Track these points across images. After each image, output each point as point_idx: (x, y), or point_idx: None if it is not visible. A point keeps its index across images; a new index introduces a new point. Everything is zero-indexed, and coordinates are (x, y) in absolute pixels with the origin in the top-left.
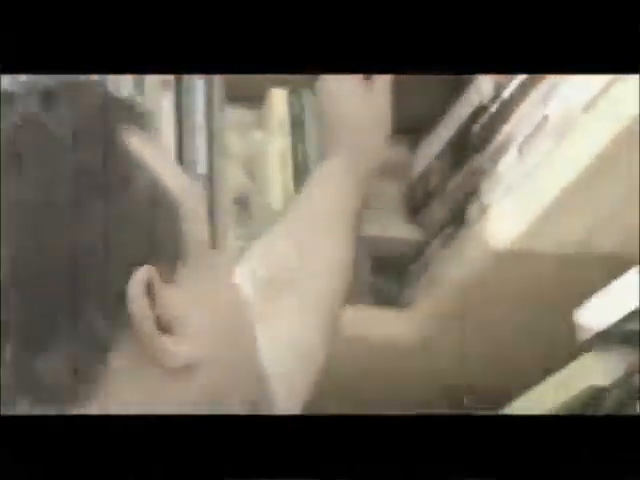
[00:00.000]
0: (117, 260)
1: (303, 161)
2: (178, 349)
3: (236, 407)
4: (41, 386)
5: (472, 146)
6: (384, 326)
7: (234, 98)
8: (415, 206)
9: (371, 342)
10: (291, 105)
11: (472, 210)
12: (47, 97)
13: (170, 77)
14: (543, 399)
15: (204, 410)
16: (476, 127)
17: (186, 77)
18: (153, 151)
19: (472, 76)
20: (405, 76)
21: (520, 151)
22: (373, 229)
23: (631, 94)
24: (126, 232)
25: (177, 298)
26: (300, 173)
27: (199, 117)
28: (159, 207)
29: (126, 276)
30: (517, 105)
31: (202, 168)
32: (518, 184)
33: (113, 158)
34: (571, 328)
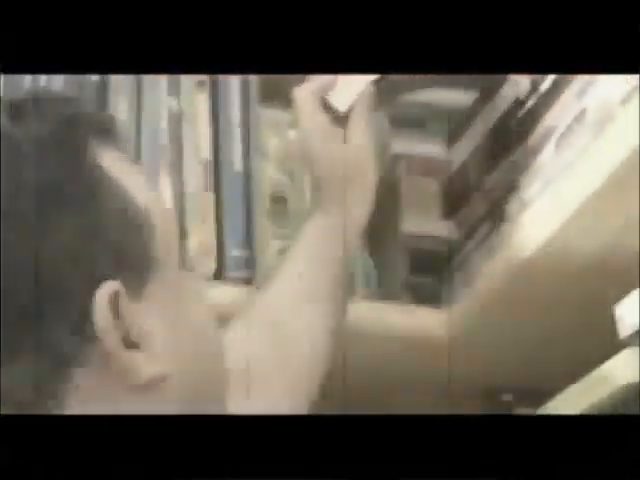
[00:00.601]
0: (83, 275)
1: None
2: (144, 365)
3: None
4: (5, 402)
5: (510, 141)
6: (421, 324)
7: (269, 98)
8: (453, 203)
9: (408, 340)
10: None
11: (511, 206)
12: (16, 110)
13: (205, 78)
14: (583, 395)
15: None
16: (513, 122)
17: (221, 78)
18: (123, 167)
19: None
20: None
21: (558, 145)
22: (411, 227)
23: None
24: (93, 247)
25: (144, 315)
26: None
27: (234, 117)
28: (127, 223)
29: (92, 291)
30: (554, 99)
31: (238, 167)
32: (556, 178)
33: (81, 172)
34: (611, 324)
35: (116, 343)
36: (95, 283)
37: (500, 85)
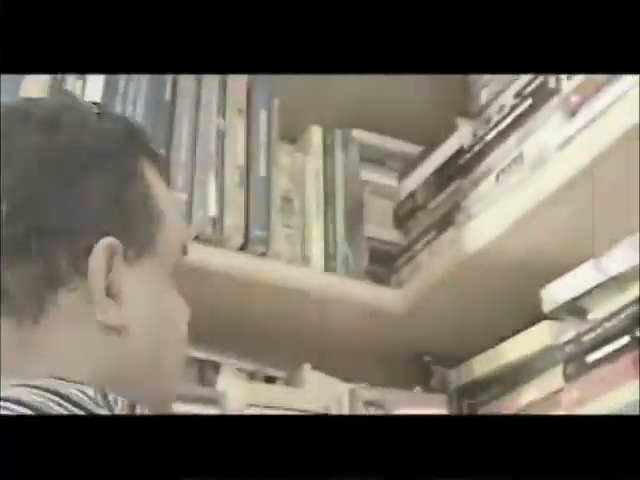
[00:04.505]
0: (96, 225)
1: (331, 175)
2: (115, 311)
3: (161, 382)
4: (6, 299)
5: (454, 176)
6: (376, 298)
7: (285, 131)
8: (401, 218)
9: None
10: (324, 137)
11: (458, 218)
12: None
13: (243, 107)
14: (505, 354)
15: (129, 371)
16: (457, 163)
17: (253, 109)
18: (155, 175)
19: (454, 125)
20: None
21: (497, 178)
22: (371, 232)
23: (596, 139)
24: (117, 215)
25: (130, 277)
26: (328, 183)
27: (262, 138)
28: (146, 208)
29: (98, 238)
30: (496, 145)
31: (262, 173)
32: (495, 201)
33: (125, 164)
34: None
35: (98, 284)
36: (102, 234)
37: (444, 139)
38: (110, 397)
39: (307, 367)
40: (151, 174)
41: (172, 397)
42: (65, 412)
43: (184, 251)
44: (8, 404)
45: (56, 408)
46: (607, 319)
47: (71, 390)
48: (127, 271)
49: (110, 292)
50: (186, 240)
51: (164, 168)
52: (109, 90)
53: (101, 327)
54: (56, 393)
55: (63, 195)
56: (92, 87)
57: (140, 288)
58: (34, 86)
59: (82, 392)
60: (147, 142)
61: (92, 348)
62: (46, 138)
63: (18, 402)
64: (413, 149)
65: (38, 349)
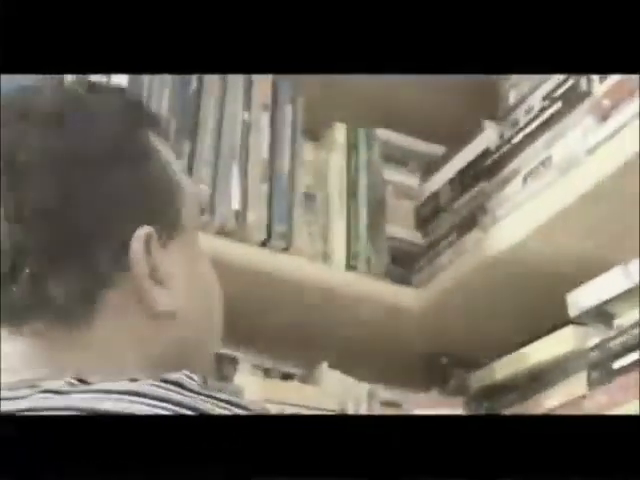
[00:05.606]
0: (128, 218)
1: (354, 173)
2: (163, 297)
3: (205, 356)
4: (51, 305)
5: (479, 178)
6: (395, 296)
7: (309, 128)
8: (422, 219)
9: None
10: (347, 135)
11: (482, 220)
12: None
13: (269, 101)
14: (527, 358)
15: (179, 353)
16: (482, 165)
17: (280, 103)
18: (169, 152)
19: (480, 126)
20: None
21: (525, 181)
22: (392, 232)
23: (626, 145)
24: (139, 200)
25: (168, 260)
26: (351, 181)
27: (286, 134)
28: (167, 189)
29: (132, 231)
30: (523, 148)
31: (286, 168)
32: (523, 204)
33: (139, 144)
34: (544, 309)
35: (144, 274)
36: (135, 226)
37: (469, 141)
38: (209, 382)
39: (324, 365)
40: (160, 145)
41: (210, 372)
42: (187, 400)
43: (202, 212)
44: (129, 397)
45: (178, 397)
46: (634, 326)
47: (180, 376)
48: (165, 255)
49: (155, 280)
50: (201, 201)
51: (165, 129)
52: (134, 82)
53: (152, 317)
54: (178, 384)
55: (88, 195)
56: (117, 79)
57: (179, 268)
58: None
59: (189, 377)
60: (146, 108)
61: (144, 340)
62: (57, 138)
63: (140, 395)
64: (437, 150)
65: (92, 350)
